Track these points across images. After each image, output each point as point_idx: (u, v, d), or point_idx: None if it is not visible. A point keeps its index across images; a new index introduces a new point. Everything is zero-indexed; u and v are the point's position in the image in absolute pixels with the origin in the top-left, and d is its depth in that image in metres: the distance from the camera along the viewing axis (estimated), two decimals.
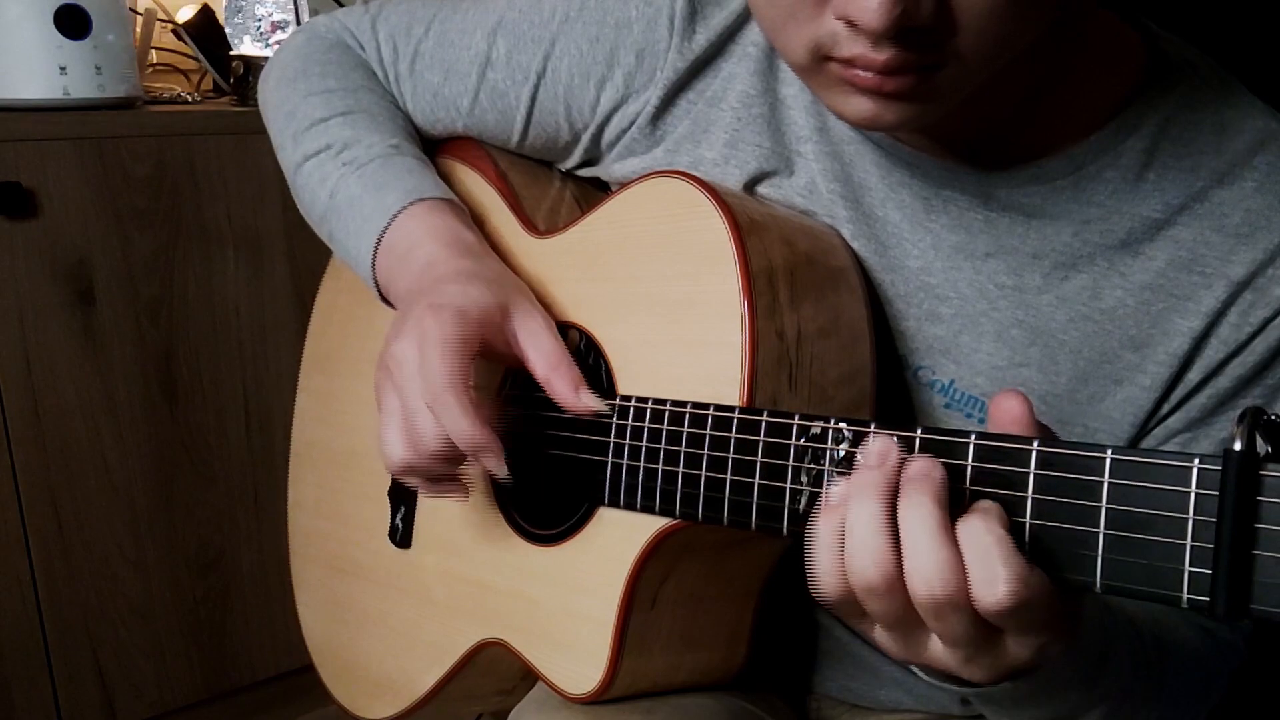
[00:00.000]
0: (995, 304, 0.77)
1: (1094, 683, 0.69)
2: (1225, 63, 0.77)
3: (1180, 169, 0.73)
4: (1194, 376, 0.75)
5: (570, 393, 0.78)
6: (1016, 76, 0.71)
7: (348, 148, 0.94)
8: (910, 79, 0.63)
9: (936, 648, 0.58)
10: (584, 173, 0.96)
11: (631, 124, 0.88)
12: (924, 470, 0.56)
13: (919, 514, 0.55)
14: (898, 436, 0.59)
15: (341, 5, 2.05)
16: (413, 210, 0.88)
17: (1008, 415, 0.57)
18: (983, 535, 0.54)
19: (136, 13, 2.00)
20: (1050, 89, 0.74)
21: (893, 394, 0.80)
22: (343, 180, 0.93)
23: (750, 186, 0.85)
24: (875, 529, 0.56)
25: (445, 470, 0.81)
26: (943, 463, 0.57)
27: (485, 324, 0.78)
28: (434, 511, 0.96)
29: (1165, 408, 0.76)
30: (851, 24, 0.61)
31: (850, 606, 0.59)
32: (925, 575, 0.54)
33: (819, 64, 0.66)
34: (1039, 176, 0.75)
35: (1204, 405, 0.75)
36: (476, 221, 0.94)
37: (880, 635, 0.60)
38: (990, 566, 0.53)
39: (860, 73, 0.64)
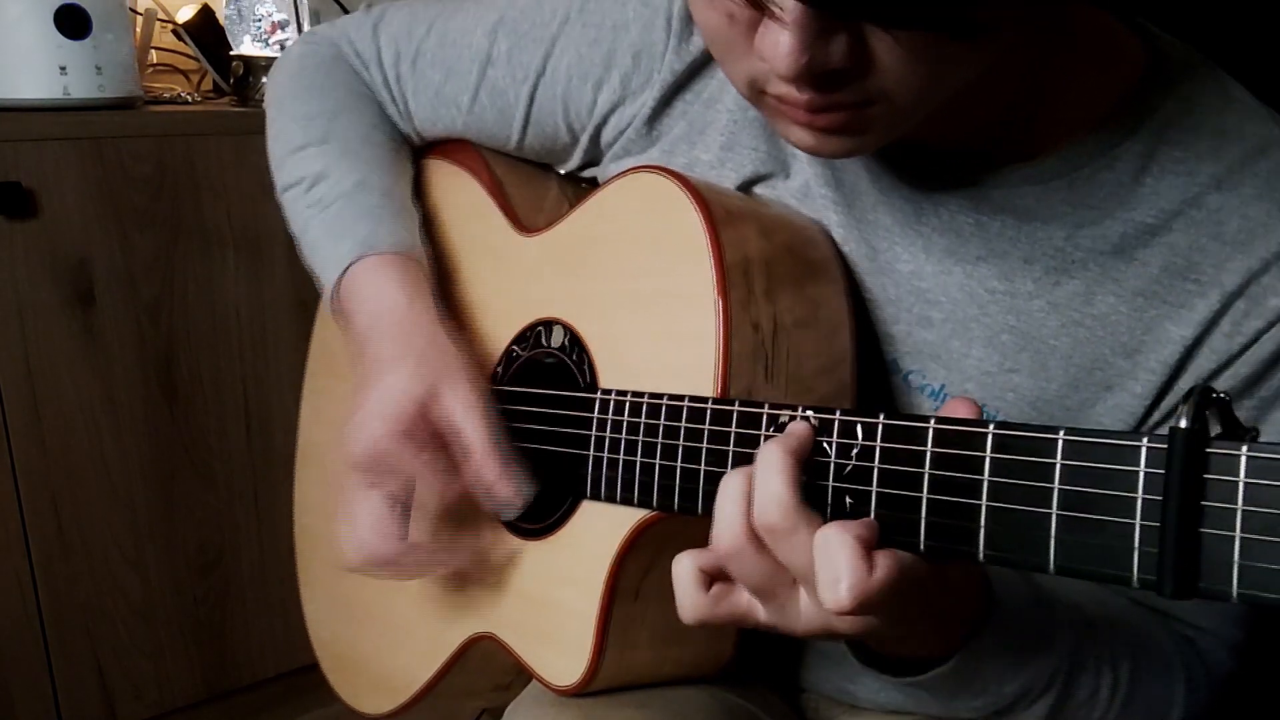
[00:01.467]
0: (986, 309, 0.76)
1: (1022, 669, 0.72)
2: (1224, 63, 0.76)
3: (1178, 173, 0.72)
4: (1185, 385, 0.73)
5: (493, 483, 0.82)
6: (1004, 79, 0.71)
7: (316, 184, 0.96)
8: (840, 116, 0.64)
9: (806, 605, 0.62)
10: (586, 174, 0.97)
11: (628, 125, 0.88)
12: (792, 428, 0.63)
13: (764, 455, 0.61)
14: (861, 422, 0.60)
15: (342, 6, 2.06)
16: (357, 269, 0.91)
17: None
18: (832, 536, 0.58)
19: (136, 13, 2.00)
20: (1042, 90, 0.73)
21: (883, 398, 0.80)
22: (310, 222, 0.96)
23: (746, 189, 0.84)
24: (733, 498, 0.62)
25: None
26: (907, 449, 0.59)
27: (423, 417, 0.83)
28: None
29: (1156, 415, 0.75)
30: None
31: (722, 613, 0.65)
32: (763, 503, 0.60)
33: (758, 96, 0.67)
34: (1033, 177, 0.74)
35: None
36: (464, 223, 0.95)
37: (763, 614, 0.64)
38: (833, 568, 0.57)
39: (791, 109, 0.65)
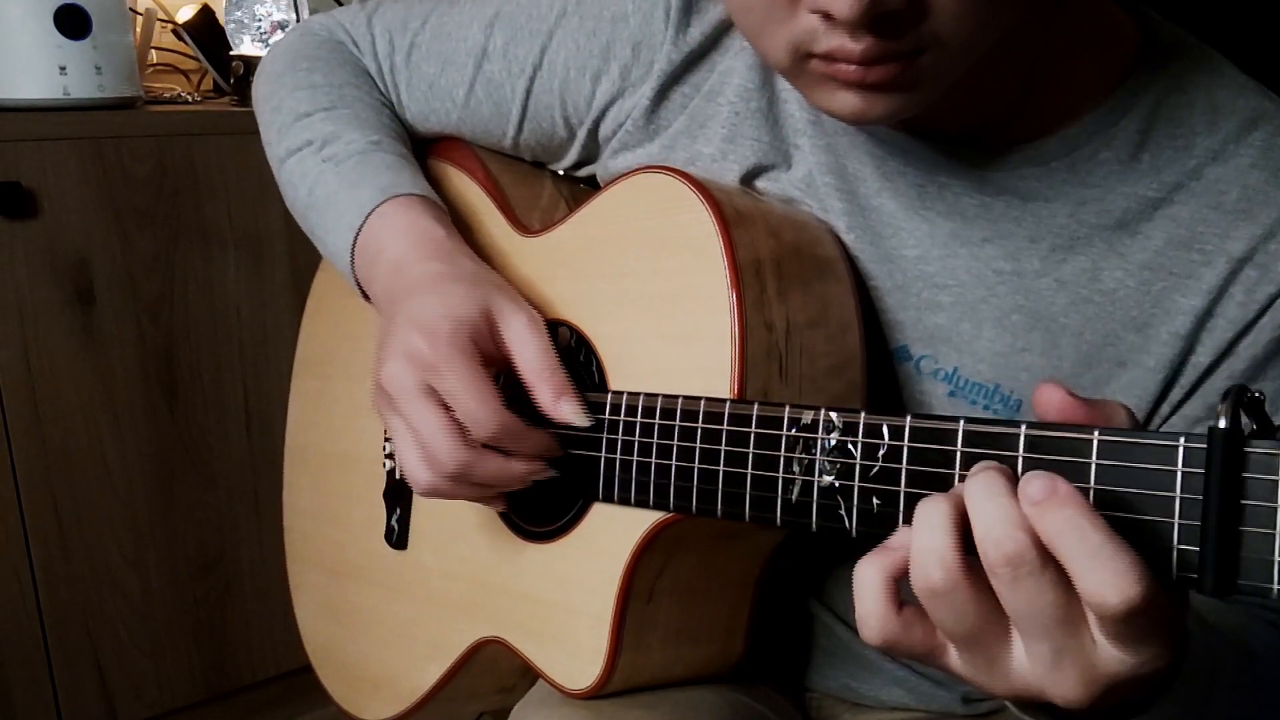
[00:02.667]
0: (994, 290, 0.77)
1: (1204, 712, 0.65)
2: (1219, 45, 0.77)
3: (1174, 148, 0.73)
4: (1204, 359, 0.74)
5: (551, 401, 0.77)
6: (1007, 60, 0.71)
7: (328, 143, 0.94)
8: (893, 67, 0.63)
9: (1020, 661, 0.54)
10: (581, 172, 0.96)
11: (627, 118, 0.88)
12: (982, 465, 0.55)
13: (980, 479, 0.52)
14: (887, 424, 0.60)
15: (341, 4, 2.05)
16: (384, 208, 0.88)
17: (1051, 406, 0.55)
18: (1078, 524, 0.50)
19: (136, 13, 2.00)
20: (1043, 71, 0.74)
21: (894, 388, 0.80)
22: (322, 176, 0.93)
23: (748, 180, 0.84)
24: (941, 527, 0.52)
25: (472, 492, 0.81)
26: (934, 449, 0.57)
27: (475, 336, 0.78)
28: (430, 511, 0.96)
29: (1178, 392, 0.76)
30: (827, 17, 0.61)
31: (913, 640, 0.55)
32: (995, 535, 0.51)
33: (801, 63, 0.66)
34: (1033, 159, 0.75)
35: (1220, 389, 0.74)
36: (465, 222, 0.94)
37: (957, 662, 0.56)
38: (1104, 554, 0.49)
39: (842, 66, 0.64)
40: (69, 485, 1.70)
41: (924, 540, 0.53)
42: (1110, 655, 0.52)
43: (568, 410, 0.77)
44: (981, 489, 0.52)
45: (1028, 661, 0.53)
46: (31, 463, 1.66)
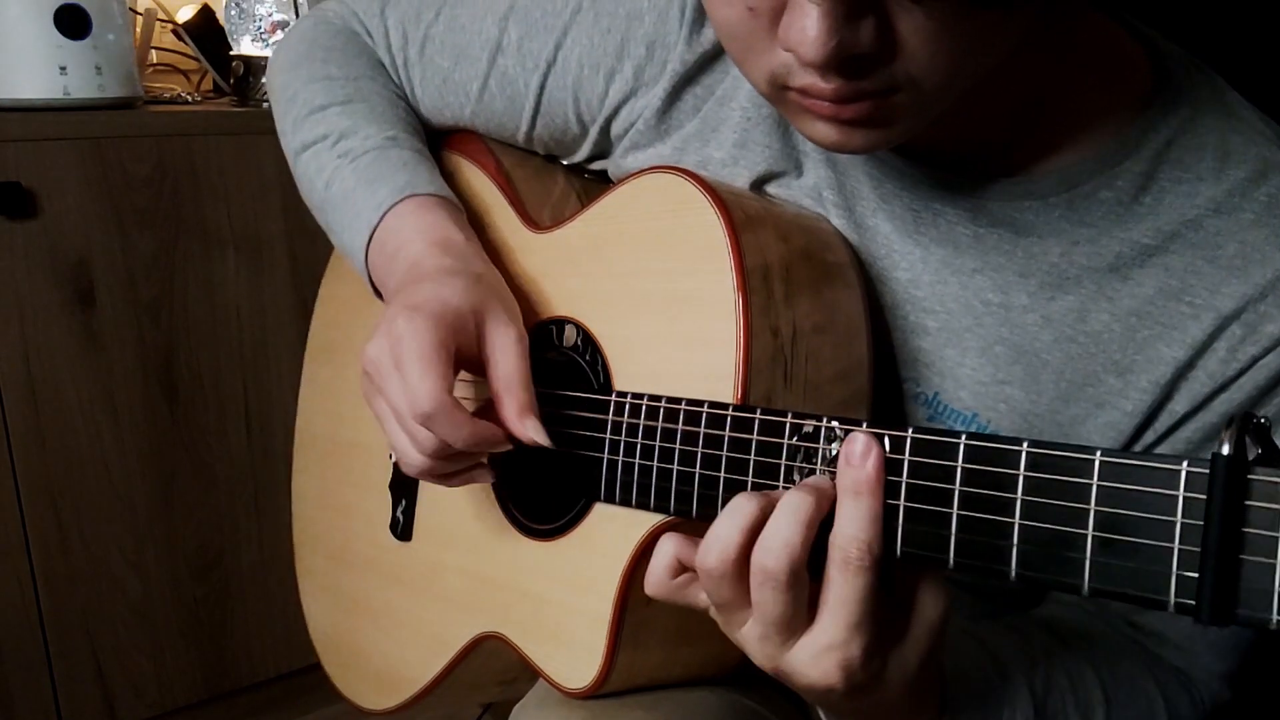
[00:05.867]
0: (981, 320, 0.76)
1: None
2: (1224, 65, 0.75)
3: (1177, 194, 0.72)
4: (1180, 408, 0.73)
5: (515, 415, 0.77)
6: (1009, 88, 0.71)
7: (344, 138, 0.93)
8: (866, 105, 0.63)
9: (753, 636, 0.63)
10: (594, 166, 0.96)
11: (639, 117, 0.88)
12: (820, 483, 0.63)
13: (796, 494, 0.61)
14: (889, 436, 0.59)
15: None
16: (402, 208, 0.88)
17: None
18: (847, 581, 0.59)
19: (136, 13, 2.00)
20: (1048, 103, 0.73)
21: (876, 406, 0.80)
22: (338, 172, 0.92)
23: (758, 186, 0.84)
24: (739, 524, 0.62)
25: (453, 467, 0.80)
26: (929, 461, 0.57)
27: (457, 327, 0.77)
28: (434, 505, 0.97)
29: (1150, 435, 0.75)
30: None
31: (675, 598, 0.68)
32: (769, 544, 0.60)
33: (780, 93, 0.66)
34: (1032, 192, 0.74)
35: (1190, 439, 0.74)
36: (476, 216, 0.94)
37: (715, 615, 0.66)
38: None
39: (815, 101, 0.64)
40: (69, 485, 1.70)
41: (720, 528, 0.62)
42: (795, 657, 0.62)
43: (530, 427, 0.77)
44: (786, 505, 0.61)
45: (761, 640, 0.62)
46: (31, 463, 1.66)
